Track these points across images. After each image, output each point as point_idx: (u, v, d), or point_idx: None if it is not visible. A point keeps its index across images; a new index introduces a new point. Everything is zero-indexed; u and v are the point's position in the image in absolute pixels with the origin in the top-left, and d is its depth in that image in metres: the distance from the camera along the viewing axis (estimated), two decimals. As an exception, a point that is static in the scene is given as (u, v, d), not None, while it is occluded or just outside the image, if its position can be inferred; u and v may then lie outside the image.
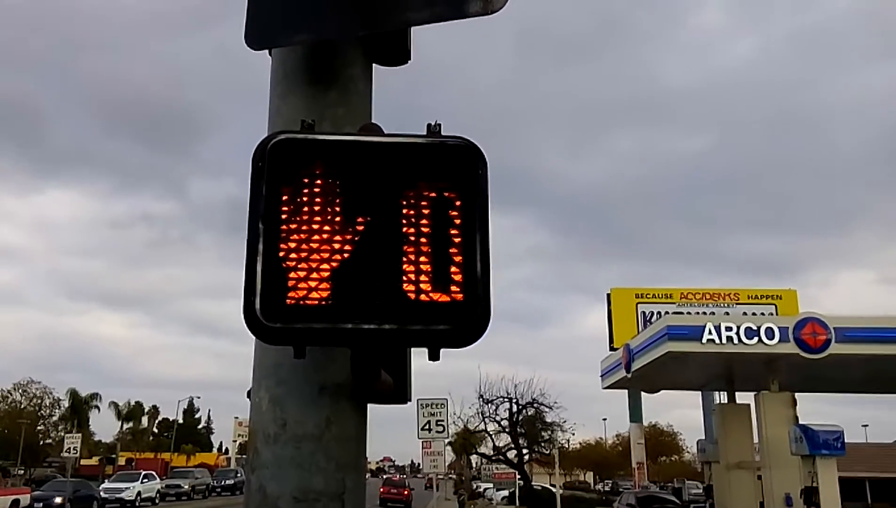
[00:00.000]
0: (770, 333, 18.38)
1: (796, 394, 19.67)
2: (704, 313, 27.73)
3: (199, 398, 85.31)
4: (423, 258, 1.49)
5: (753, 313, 27.28)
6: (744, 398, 23.07)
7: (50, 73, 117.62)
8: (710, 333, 18.52)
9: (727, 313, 27.66)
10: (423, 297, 1.47)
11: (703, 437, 27.66)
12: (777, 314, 28.43)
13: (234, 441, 65.37)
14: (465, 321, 1.46)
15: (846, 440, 16.88)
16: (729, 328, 18.55)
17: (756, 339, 18.36)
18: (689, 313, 28.98)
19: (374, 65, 1.99)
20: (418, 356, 1.82)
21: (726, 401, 24.45)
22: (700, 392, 29.47)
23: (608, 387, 26.70)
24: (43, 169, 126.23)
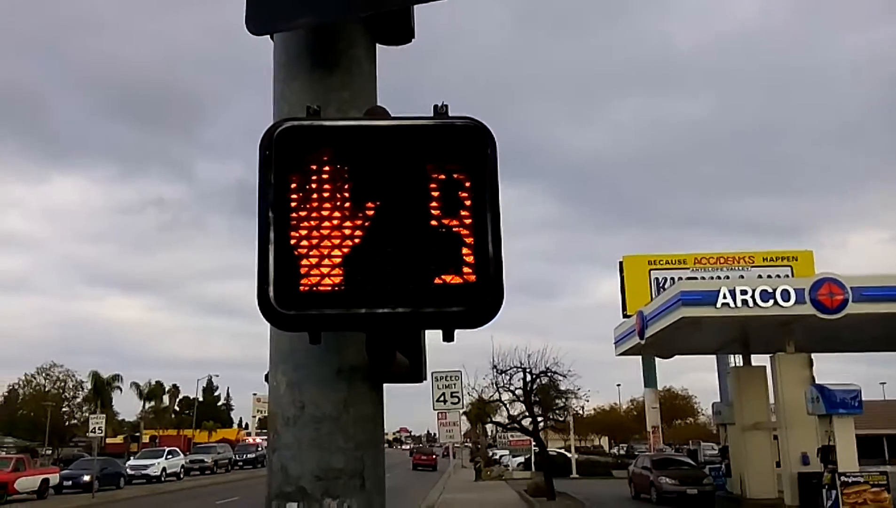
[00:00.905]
0: (786, 295, 18.30)
1: (813, 355, 19.65)
2: (719, 277, 27.59)
3: (217, 376, 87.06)
4: (434, 241, 1.49)
5: (769, 276, 27.11)
6: (759, 360, 23.12)
7: (50, 57, 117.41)
8: (724, 297, 18.47)
9: (742, 277, 27.51)
10: (435, 279, 1.48)
11: (719, 400, 27.75)
12: (793, 276, 28.24)
13: (254, 417, 66.49)
14: (478, 302, 1.47)
15: (863, 399, 16.90)
16: (744, 292, 18.48)
17: (772, 302, 18.30)
18: (703, 278, 28.88)
19: (377, 45, 1.97)
20: (432, 332, 1.84)
21: (741, 364, 24.49)
22: (715, 356, 29.51)
23: (622, 354, 26.79)
24: (50, 156, 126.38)
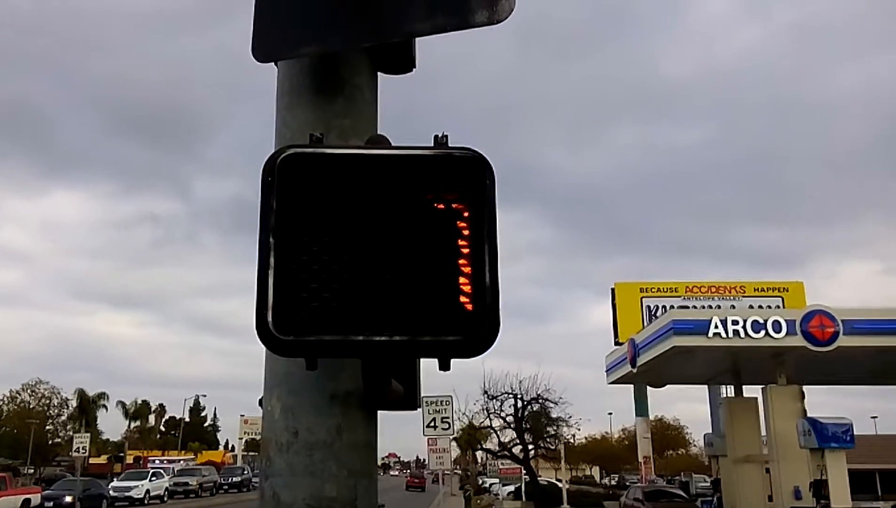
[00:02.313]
0: (777, 326, 18.35)
1: (804, 387, 19.64)
2: (710, 306, 27.69)
3: (204, 396, 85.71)
4: (432, 270, 1.51)
5: (760, 306, 27.22)
6: (751, 391, 23.10)
7: (55, 74, 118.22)
8: (716, 327, 18.49)
9: (733, 307, 27.59)
10: (432, 308, 1.49)
11: (710, 431, 27.62)
12: (784, 307, 28.35)
13: (241, 439, 65.69)
14: (475, 331, 1.48)
15: (855, 433, 16.87)
16: (735, 322, 18.52)
17: (763, 332, 18.33)
18: (694, 306, 28.94)
19: (379, 73, 2.00)
20: (426, 359, 1.83)
21: (733, 395, 24.43)
22: (706, 386, 29.44)
23: (613, 382, 26.69)
24: (50, 171, 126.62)
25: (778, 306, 28.61)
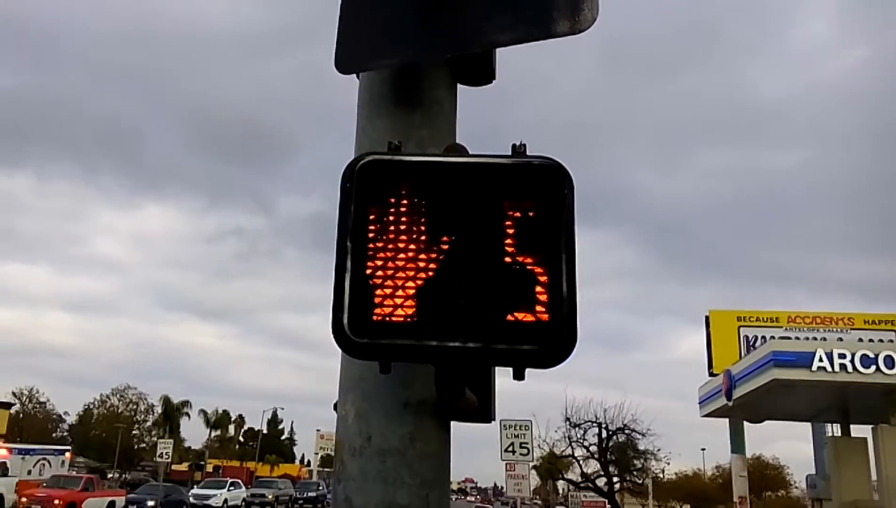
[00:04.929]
0: (890, 361, 17.01)
1: (921, 429, 18.04)
2: (815, 338, 25.97)
3: (282, 409, 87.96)
4: (508, 278, 1.49)
5: (870, 340, 25.28)
6: (859, 430, 21.43)
7: (148, 93, 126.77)
8: (820, 360, 17.35)
9: (840, 339, 25.77)
10: (508, 316, 1.47)
11: (814, 472, 25.78)
12: (898, 342, 26.21)
13: (316, 454, 66.70)
14: (550, 341, 1.45)
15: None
16: (842, 356, 17.32)
17: (874, 368, 17.03)
18: (797, 338, 27.24)
19: (458, 85, 2.02)
20: (502, 376, 1.81)
21: (840, 434, 22.76)
22: (809, 423, 27.56)
23: (707, 415, 25.47)
24: (141, 185, 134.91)
25: (891, 341, 26.47)
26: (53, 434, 63.41)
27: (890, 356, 17.16)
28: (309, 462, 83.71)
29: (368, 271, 1.48)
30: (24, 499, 25.96)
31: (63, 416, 65.61)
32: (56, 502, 25.44)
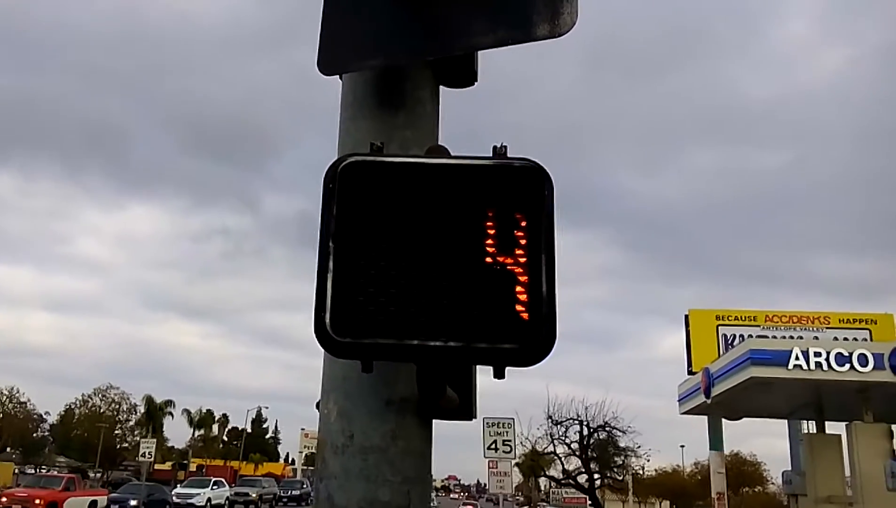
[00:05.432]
0: (863, 359, 17.31)
1: (893, 426, 18.39)
2: (791, 337, 26.35)
3: (267, 408, 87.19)
4: (488, 278, 1.51)
5: (845, 339, 25.69)
6: (834, 427, 21.79)
7: (134, 94, 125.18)
8: (797, 358, 17.62)
9: (816, 338, 26.16)
10: (488, 315, 1.49)
11: (790, 468, 26.16)
12: (871, 340, 26.68)
13: (301, 452, 66.46)
14: (530, 340, 1.48)
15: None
16: (818, 354, 17.61)
17: (848, 366, 17.33)
18: (774, 336, 27.60)
19: (441, 86, 2.04)
20: (483, 375, 1.83)
21: (815, 431, 23.13)
22: (786, 421, 27.97)
23: (686, 413, 25.75)
24: (126, 185, 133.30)
25: (865, 339, 26.93)
26: (34, 435, 62.45)
27: (863, 355, 17.47)
28: (293, 460, 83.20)
29: (351, 272, 1.50)
30: (4, 499, 25.55)
31: (44, 416, 64.67)
32: (37, 502, 25.05)
